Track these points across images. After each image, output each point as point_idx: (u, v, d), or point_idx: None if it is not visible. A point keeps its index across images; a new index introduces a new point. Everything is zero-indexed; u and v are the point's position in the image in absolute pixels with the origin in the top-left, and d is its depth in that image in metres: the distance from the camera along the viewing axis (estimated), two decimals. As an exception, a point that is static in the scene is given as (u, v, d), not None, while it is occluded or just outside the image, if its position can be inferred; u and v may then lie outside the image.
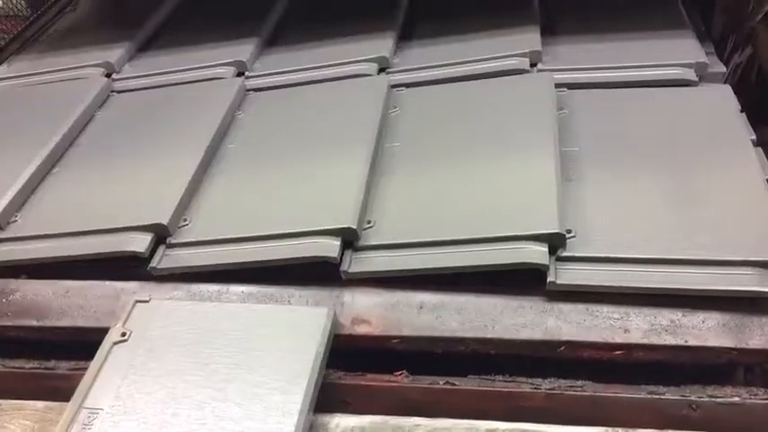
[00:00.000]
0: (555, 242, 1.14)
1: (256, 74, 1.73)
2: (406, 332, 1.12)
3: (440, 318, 1.13)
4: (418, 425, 1.07)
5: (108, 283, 1.26)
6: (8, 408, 1.16)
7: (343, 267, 1.18)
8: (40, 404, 1.16)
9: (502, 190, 1.25)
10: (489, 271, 1.14)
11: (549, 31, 1.76)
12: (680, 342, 1.06)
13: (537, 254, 1.12)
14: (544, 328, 1.10)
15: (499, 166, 1.31)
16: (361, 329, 1.14)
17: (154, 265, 1.24)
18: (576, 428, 1.05)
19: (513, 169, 1.29)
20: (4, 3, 2.42)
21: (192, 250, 1.26)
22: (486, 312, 1.13)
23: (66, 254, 1.27)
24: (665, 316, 1.09)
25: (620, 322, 1.09)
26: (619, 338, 1.07)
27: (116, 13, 2.11)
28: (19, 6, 2.40)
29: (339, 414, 1.09)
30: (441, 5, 1.96)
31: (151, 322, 1.12)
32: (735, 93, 1.48)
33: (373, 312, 1.15)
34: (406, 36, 1.83)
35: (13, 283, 1.29)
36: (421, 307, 1.14)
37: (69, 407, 1.01)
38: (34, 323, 1.22)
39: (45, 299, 1.25)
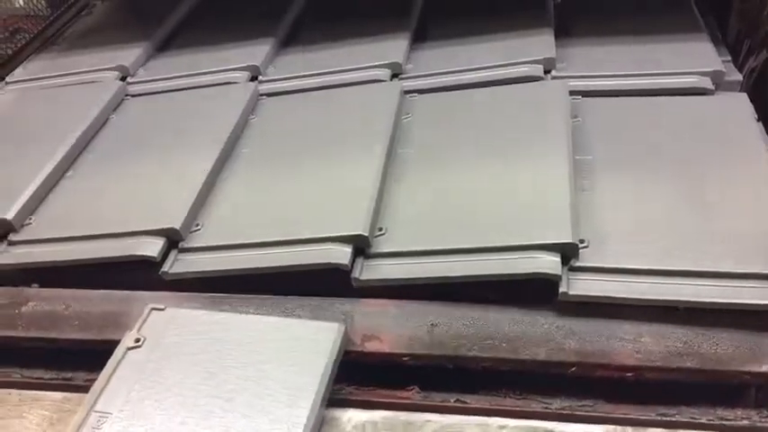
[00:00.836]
0: (568, 252, 1.13)
1: (270, 78, 1.73)
2: (417, 350, 1.11)
3: (451, 335, 1.12)
4: (429, 420, 1.08)
5: (122, 292, 1.27)
6: (26, 398, 1.18)
7: (355, 274, 1.18)
8: (58, 395, 1.19)
9: (514, 198, 1.25)
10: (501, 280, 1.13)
11: (565, 33, 1.75)
12: (693, 365, 1.04)
13: (549, 264, 1.11)
14: (556, 347, 1.09)
15: (512, 174, 1.30)
16: (372, 346, 1.13)
17: (165, 269, 1.25)
18: (584, 426, 1.05)
19: (526, 177, 1.29)
20: (24, 2, 2.44)
21: (204, 255, 1.27)
22: (497, 329, 1.12)
23: (78, 257, 1.27)
24: (679, 337, 1.07)
25: (632, 344, 1.07)
26: (631, 361, 1.06)
27: (131, 17, 2.12)
28: (39, 6, 2.43)
29: (351, 409, 1.09)
30: (454, 6, 1.96)
31: (165, 330, 1.12)
32: (750, 97, 1.47)
33: (384, 328, 1.14)
34: (419, 38, 1.83)
35: (25, 293, 1.29)
36: (432, 324, 1.13)
37: (80, 409, 1.02)
38: (47, 334, 1.22)
39: (57, 309, 1.25)
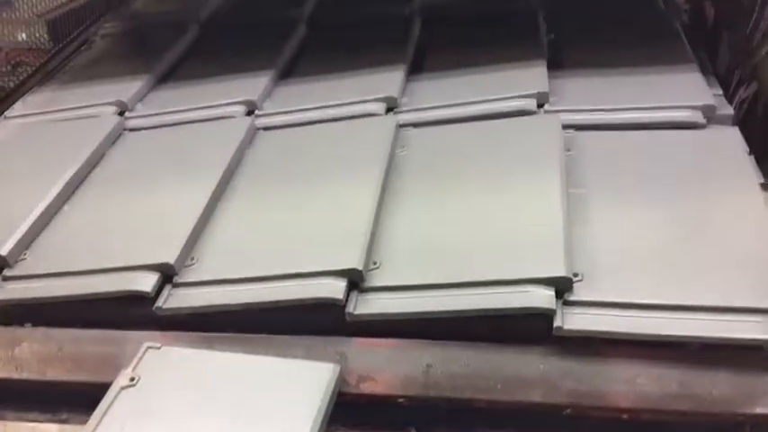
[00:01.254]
0: (562, 286, 1.13)
1: (266, 112, 1.75)
2: (413, 391, 1.11)
3: (446, 375, 1.11)
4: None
5: (115, 332, 1.26)
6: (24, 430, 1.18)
7: (349, 309, 1.17)
8: (54, 427, 1.18)
9: (508, 232, 1.25)
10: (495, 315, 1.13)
11: (557, 66, 1.77)
12: (689, 408, 1.04)
13: (544, 298, 1.11)
14: (551, 389, 1.08)
15: (506, 208, 1.31)
16: (367, 387, 1.12)
17: (159, 305, 1.24)
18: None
19: (520, 211, 1.29)
20: (27, 36, 2.48)
21: (198, 290, 1.26)
22: (493, 370, 1.11)
23: (71, 293, 1.27)
24: (675, 377, 1.07)
25: (628, 385, 1.07)
26: (627, 402, 1.06)
27: (130, 51, 2.15)
28: (42, 40, 2.47)
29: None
30: (449, 39, 1.99)
31: (160, 369, 1.12)
32: (740, 127, 1.48)
33: (379, 369, 1.14)
34: (415, 68, 1.86)
35: (18, 333, 1.29)
36: (427, 365, 1.13)
37: (73, 447, 1.01)
38: (42, 377, 1.22)
39: (51, 350, 1.25)
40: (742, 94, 1.85)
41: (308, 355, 1.16)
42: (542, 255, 1.17)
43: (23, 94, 2.00)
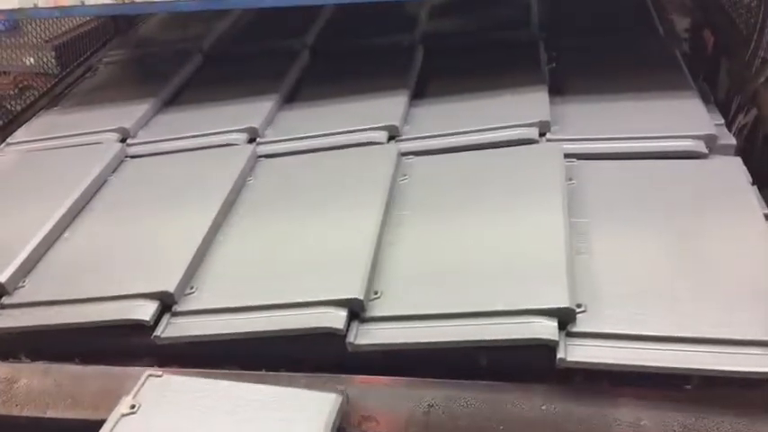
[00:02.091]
0: (565, 317, 1.12)
1: (268, 140, 1.75)
2: (414, 432, 1.10)
3: (447, 416, 1.10)
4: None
5: (114, 368, 1.25)
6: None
7: (350, 339, 1.16)
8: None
9: (511, 262, 1.24)
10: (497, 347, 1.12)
11: (558, 93, 1.78)
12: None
13: (547, 329, 1.10)
14: (554, 431, 1.07)
15: (508, 238, 1.30)
16: (370, 428, 1.11)
17: (158, 333, 1.23)
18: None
19: (523, 241, 1.28)
20: (35, 60, 2.51)
21: (198, 319, 1.25)
22: (494, 411, 1.09)
23: (69, 321, 1.27)
24: (679, 420, 1.05)
25: (632, 428, 1.05)
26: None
27: (133, 79, 2.16)
28: (49, 64, 2.50)
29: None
30: (451, 67, 2.00)
31: (161, 397, 1.10)
32: (739, 153, 1.48)
33: (380, 409, 1.12)
34: (417, 97, 1.86)
35: (17, 369, 1.28)
36: (429, 405, 1.11)
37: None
38: (42, 413, 1.20)
39: (50, 387, 1.24)
40: (741, 120, 1.85)
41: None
42: (546, 285, 1.16)
43: (30, 118, 2.02)
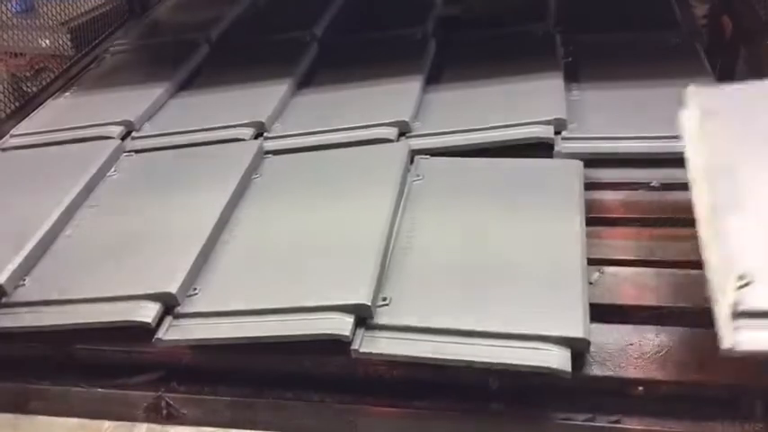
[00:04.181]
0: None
1: (275, 135, 1.71)
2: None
3: None
4: None
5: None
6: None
7: (354, 346, 1.12)
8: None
9: (531, 273, 1.19)
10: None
11: (575, 88, 1.73)
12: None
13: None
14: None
15: (528, 246, 1.25)
16: None
17: (160, 336, 1.20)
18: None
19: (542, 248, 1.23)
20: (50, 42, 2.53)
21: (200, 321, 1.22)
22: None
23: (69, 322, 1.23)
24: None
25: None
26: None
27: (139, 70, 2.11)
28: (64, 46, 2.52)
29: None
30: (465, 61, 1.95)
31: None
32: None
33: None
34: (429, 91, 1.81)
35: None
36: None
37: None
38: None
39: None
40: None
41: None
42: (560, 313, 1.11)
43: (45, 100, 2.02)
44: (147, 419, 1.21)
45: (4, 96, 2.16)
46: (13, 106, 2.11)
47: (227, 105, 1.83)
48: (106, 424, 1.22)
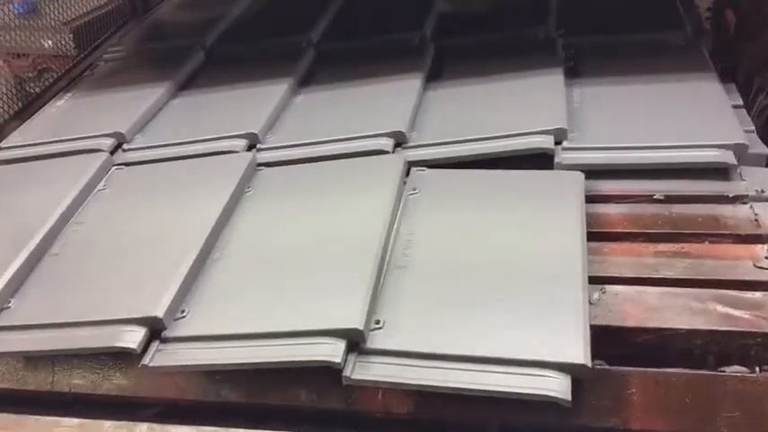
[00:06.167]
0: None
1: (268, 146, 1.66)
2: None
3: None
4: None
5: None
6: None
7: (346, 373, 1.08)
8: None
9: (526, 295, 1.14)
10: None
11: (577, 96, 1.68)
12: None
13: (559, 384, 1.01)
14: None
15: (525, 264, 1.21)
16: None
17: (146, 362, 1.16)
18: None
19: (540, 266, 1.19)
20: (53, 43, 2.53)
21: (188, 346, 1.18)
22: None
23: (53, 347, 1.19)
24: None
25: None
26: None
27: (131, 79, 2.07)
28: (67, 47, 2.52)
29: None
30: (463, 67, 1.90)
31: None
32: (760, 135, 1.41)
33: None
34: (426, 99, 1.77)
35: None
36: None
37: None
38: None
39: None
40: (762, 100, 1.82)
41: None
42: (557, 337, 1.06)
43: (48, 100, 2.00)
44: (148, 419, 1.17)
45: (8, 98, 2.14)
46: (15, 107, 2.10)
47: (220, 115, 1.79)
48: (106, 424, 1.18)
